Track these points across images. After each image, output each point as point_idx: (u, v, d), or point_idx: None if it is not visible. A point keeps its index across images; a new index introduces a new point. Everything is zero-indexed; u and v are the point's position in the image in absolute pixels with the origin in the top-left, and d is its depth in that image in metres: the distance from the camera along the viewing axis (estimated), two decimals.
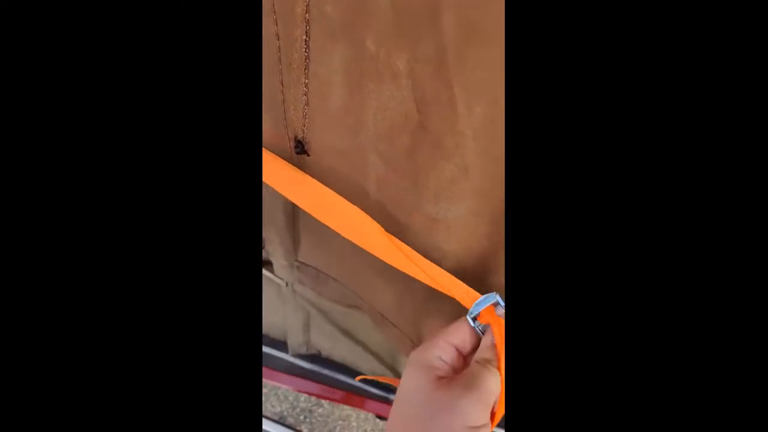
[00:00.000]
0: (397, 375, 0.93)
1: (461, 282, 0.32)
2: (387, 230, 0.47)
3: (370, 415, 1.19)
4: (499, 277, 0.43)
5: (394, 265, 0.34)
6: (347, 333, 0.84)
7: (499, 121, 0.29)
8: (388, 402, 0.93)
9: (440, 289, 0.31)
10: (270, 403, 1.26)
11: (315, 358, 0.95)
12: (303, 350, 0.95)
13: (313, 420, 1.18)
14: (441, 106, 0.29)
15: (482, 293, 0.43)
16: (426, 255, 0.46)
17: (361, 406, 0.98)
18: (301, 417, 1.19)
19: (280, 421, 1.14)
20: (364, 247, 0.33)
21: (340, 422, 1.18)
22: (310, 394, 1.14)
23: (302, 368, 0.97)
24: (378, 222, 0.45)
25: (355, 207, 0.35)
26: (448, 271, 0.48)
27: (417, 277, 0.32)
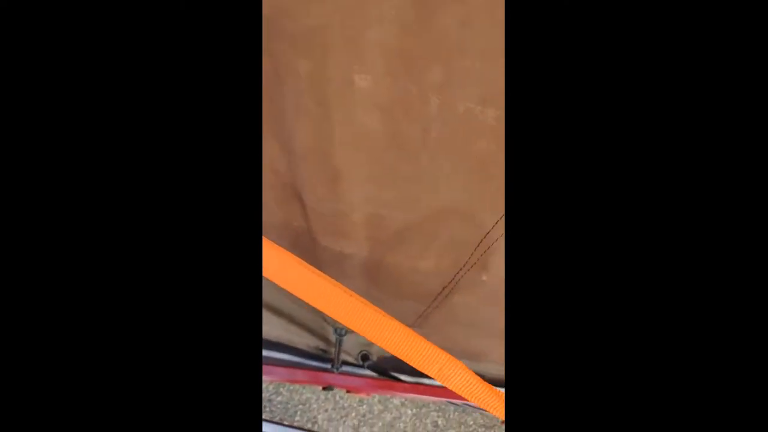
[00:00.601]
0: (330, 344, 0.95)
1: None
2: None
3: (330, 396, 1.20)
4: (322, 188, 0.45)
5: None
6: (270, 307, 0.86)
7: None
8: (328, 371, 0.94)
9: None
10: None
11: None
12: None
13: (273, 408, 1.19)
14: None
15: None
16: None
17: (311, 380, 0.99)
18: None
19: None
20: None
21: (300, 407, 1.19)
22: (272, 381, 1.15)
23: None
24: None
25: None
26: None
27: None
